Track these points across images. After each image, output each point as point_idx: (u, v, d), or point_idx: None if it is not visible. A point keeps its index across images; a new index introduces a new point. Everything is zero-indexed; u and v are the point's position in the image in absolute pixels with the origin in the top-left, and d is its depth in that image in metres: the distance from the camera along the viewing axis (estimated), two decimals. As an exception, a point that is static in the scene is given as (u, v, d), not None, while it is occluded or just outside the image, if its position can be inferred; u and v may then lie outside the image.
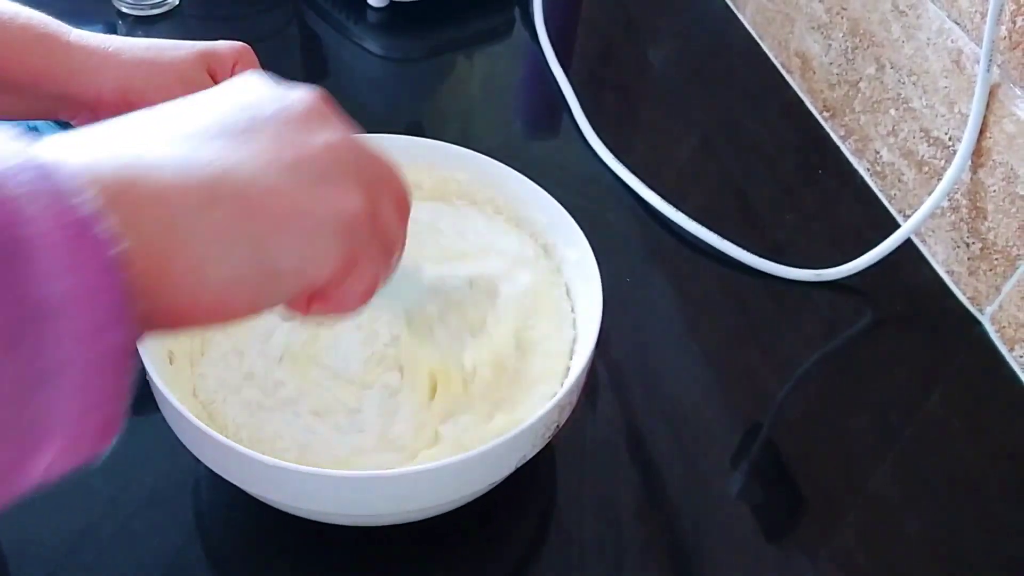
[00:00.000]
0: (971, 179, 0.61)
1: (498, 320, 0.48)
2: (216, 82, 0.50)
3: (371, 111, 0.77)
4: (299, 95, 0.31)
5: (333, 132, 0.31)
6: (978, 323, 0.62)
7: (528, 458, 0.43)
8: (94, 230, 0.24)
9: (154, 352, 0.42)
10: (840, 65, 0.74)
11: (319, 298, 0.32)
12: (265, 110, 0.30)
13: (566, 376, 0.47)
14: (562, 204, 0.51)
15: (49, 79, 0.46)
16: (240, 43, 0.51)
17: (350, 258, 0.31)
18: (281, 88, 0.32)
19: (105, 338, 0.24)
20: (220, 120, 0.29)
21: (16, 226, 0.22)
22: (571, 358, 0.48)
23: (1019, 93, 0.57)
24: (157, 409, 0.43)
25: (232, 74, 0.50)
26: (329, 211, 0.30)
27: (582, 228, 0.50)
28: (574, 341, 0.49)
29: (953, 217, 0.63)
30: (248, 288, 0.29)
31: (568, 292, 0.51)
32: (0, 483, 0.25)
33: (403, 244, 0.35)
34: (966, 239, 0.62)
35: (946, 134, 0.63)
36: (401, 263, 0.37)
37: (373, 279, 0.33)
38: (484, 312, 0.48)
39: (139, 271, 0.25)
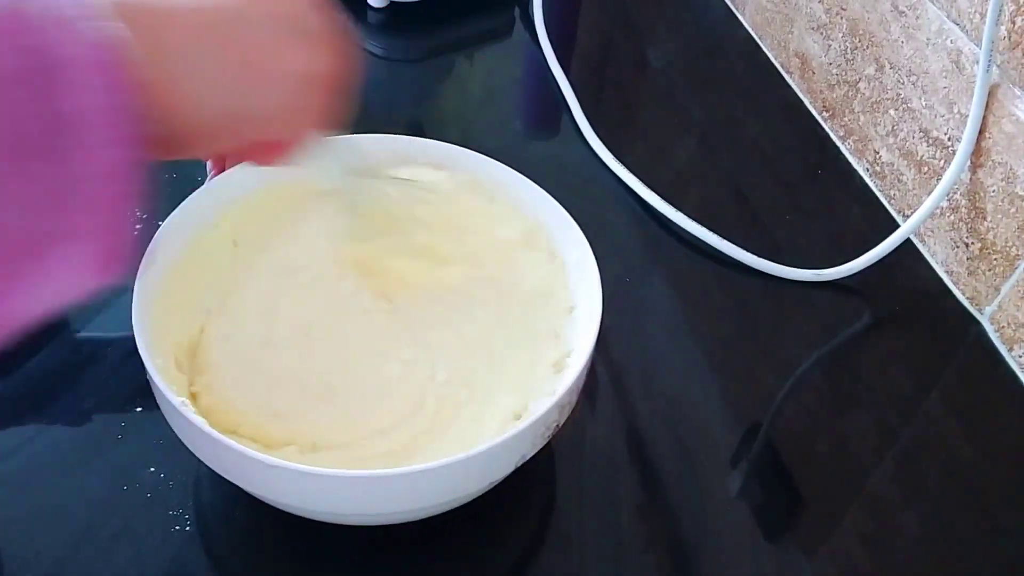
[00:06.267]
0: (970, 179, 0.61)
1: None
2: None
3: (371, 111, 0.77)
4: None
5: None
6: (977, 323, 0.62)
7: (528, 458, 0.43)
8: (117, 53, 0.28)
9: (155, 353, 0.42)
10: (839, 65, 0.74)
11: (276, 146, 0.39)
12: None
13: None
14: (562, 204, 0.51)
15: None
16: None
17: (312, 112, 0.37)
18: None
19: (119, 151, 0.28)
20: None
21: (45, 46, 0.26)
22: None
23: (1018, 93, 0.57)
24: (157, 409, 0.43)
25: None
26: (303, 67, 0.35)
27: (582, 228, 0.50)
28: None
29: (952, 217, 0.63)
30: (231, 123, 0.34)
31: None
32: (15, 294, 0.28)
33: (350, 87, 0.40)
34: (965, 239, 0.62)
35: (945, 134, 0.63)
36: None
37: (318, 127, 0.39)
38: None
39: (151, 94, 0.29)
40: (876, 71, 0.70)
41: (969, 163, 0.61)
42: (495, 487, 0.45)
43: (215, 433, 0.39)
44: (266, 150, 0.39)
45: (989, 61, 0.57)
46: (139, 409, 0.50)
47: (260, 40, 0.34)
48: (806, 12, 0.78)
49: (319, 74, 0.36)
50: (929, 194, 0.62)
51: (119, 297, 0.54)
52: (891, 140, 0.69)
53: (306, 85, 0.36)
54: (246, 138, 0.36)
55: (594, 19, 0.90)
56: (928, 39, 0.64)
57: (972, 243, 0.62)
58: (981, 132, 0.59)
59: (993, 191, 0.59)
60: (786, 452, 0.54)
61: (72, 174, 0.27)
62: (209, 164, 0.54)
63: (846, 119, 0.74)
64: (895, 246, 0.63)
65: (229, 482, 0.42)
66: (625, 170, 0.70)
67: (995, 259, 0.60)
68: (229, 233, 0.51)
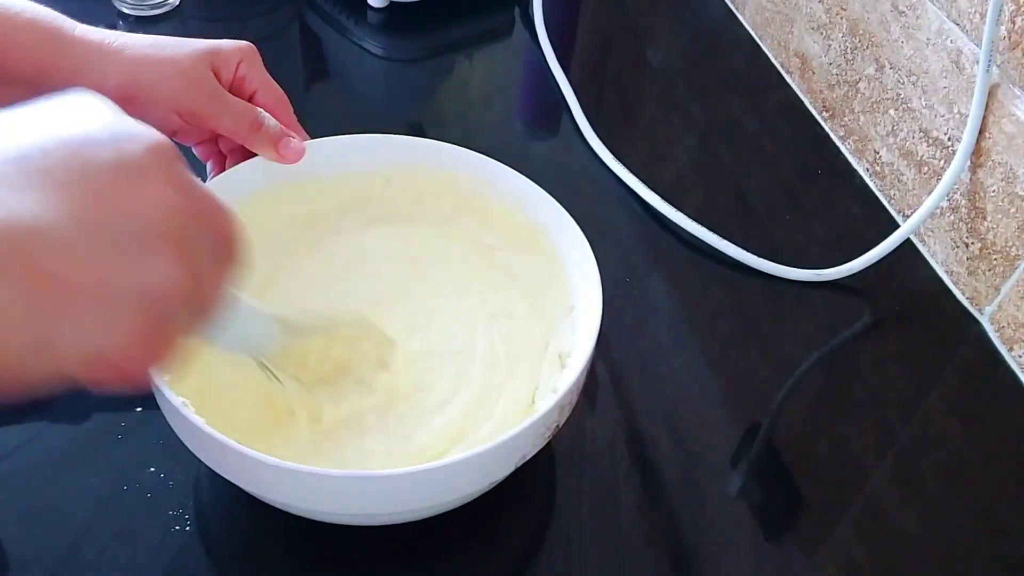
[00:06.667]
0: (970, 179, 0.61)
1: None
2: (220, 80, 0.50)
3: (371, 111, 0.77)
4: (139, 140, 0.29)
5: (162, 186, 0.29)
6: (977, 323, 0.62)
7: (528, 458, 0.43)
8: None
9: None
10: (839, 65, 0.74)
11: (107, 367, 0.29)
12: (95, 155, 0.28)
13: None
14: (562, 204, 0.51)
15: (54, 73, 0.46)
16: (245, 42, 0.51)
17: (150, 332, 0.29)
18: (120, 125, 0.29)
19: None
20: (39, 159, 0.27)
21: None
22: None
23: (1018, 93, 0.57)
24: (157, 409, 0.43)
25: (236, 73, 0.50)
26: (135, 284, 0.27)
27: (582, 228, 0.50)
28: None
29: (952, 217, 0.63)
30: (38, 359, 0.27)
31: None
32: None
33: (221, 295, 0.32)
34: (965, 239, 0.62)
35: (945, 134, 0.63)
36: (241, 302, 0.35)
37: (166, 347, 0.30)
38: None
39: None
40: (876, 71, 0.70)
41: (969, 163, 0.61)
42: (495, 487, 0.45)
43: (215, 433, 0.39)
44: (116, 370, 0.30)
45: (989, 61, 0.57)
46: (139, 409, 0.50)
47: (79, 249, 0.26)
48: (806, 12, 0.78)
49: (169, 284, 0.28)
50: (929, 194, 0.62)
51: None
52: (891, 140, 0.69)
53: (151, 298, 0.28)
54: (65, 373, 0.28)
55: (594, 19, 0.90)
56: (928, 39, 0.64)
57: (972, 243, 0.62)
58: (981, 132, 0.59)
59: (993, 191, 0.59)
60: (786, 452, 0.54)
61: None
62: (209, 164, 0.54)
63: (846, 119, 0.74)
64: (895, 246, 0.63)
65: (229, 482, 0.42)
66: (625, 170, 0.70)
67: (995, 259, 0.60)
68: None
